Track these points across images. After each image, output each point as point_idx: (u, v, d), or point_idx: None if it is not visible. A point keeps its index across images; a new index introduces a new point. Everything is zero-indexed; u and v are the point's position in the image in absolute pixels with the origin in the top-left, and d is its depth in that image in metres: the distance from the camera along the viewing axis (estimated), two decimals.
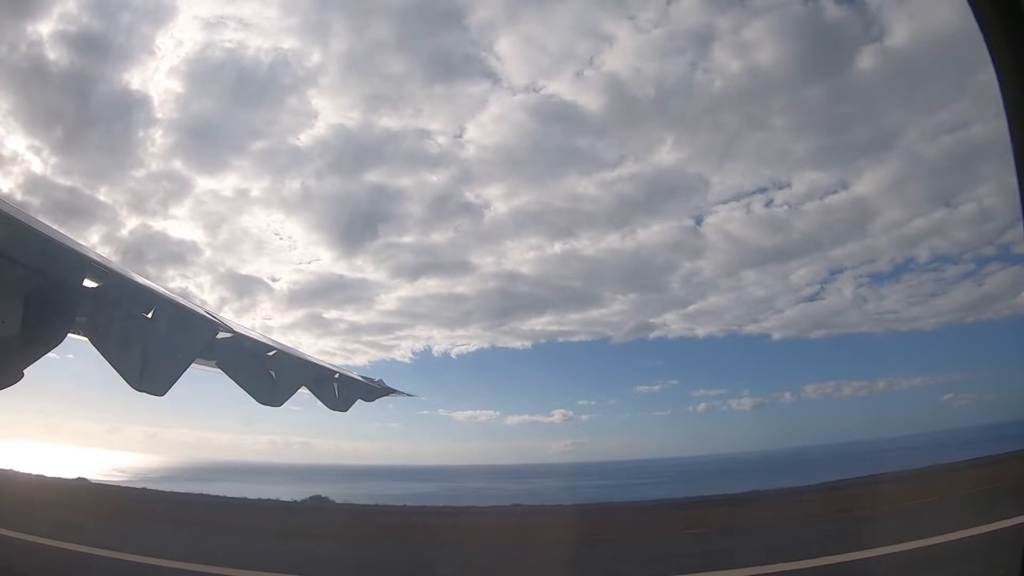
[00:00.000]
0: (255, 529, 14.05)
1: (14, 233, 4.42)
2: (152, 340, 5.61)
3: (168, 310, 5.85)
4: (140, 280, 5.74)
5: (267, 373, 7.24)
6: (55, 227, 4.95)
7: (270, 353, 7.33)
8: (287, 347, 7.82)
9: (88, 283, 5.13)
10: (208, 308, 6.72)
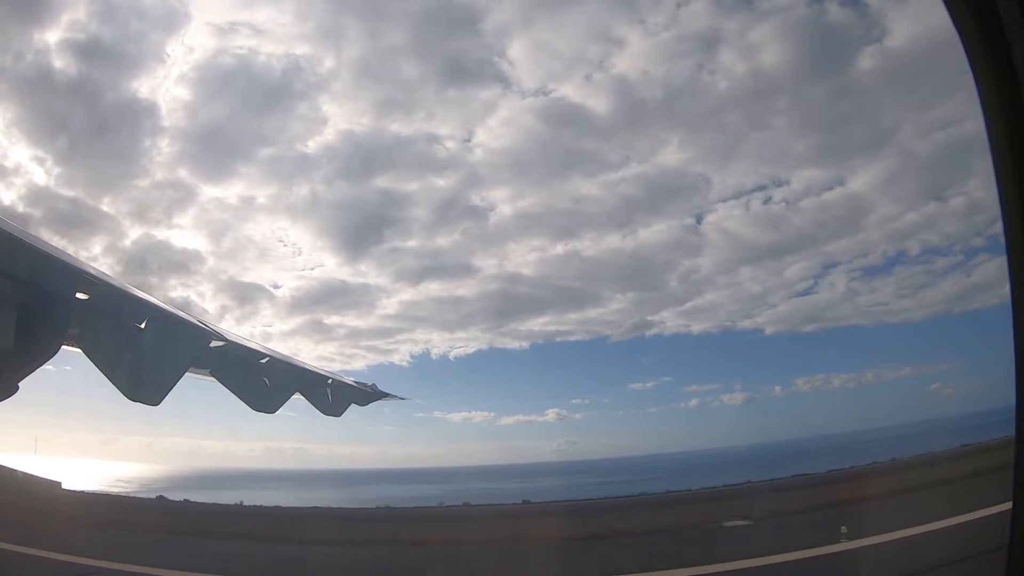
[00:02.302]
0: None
1: (5, 246, 4.41)
2: (145, 350, 5.60)
3: (160, 320, 5.85)
4: (132, 291, 5.74)
5: (261, 380, 7.23)
6: (53, 239, 4.95)
7: (263, 360, 7.33)
8: (280, 354, 7.83)
9: (80, 295, 5.13)
10: (202, 318, 6.72)
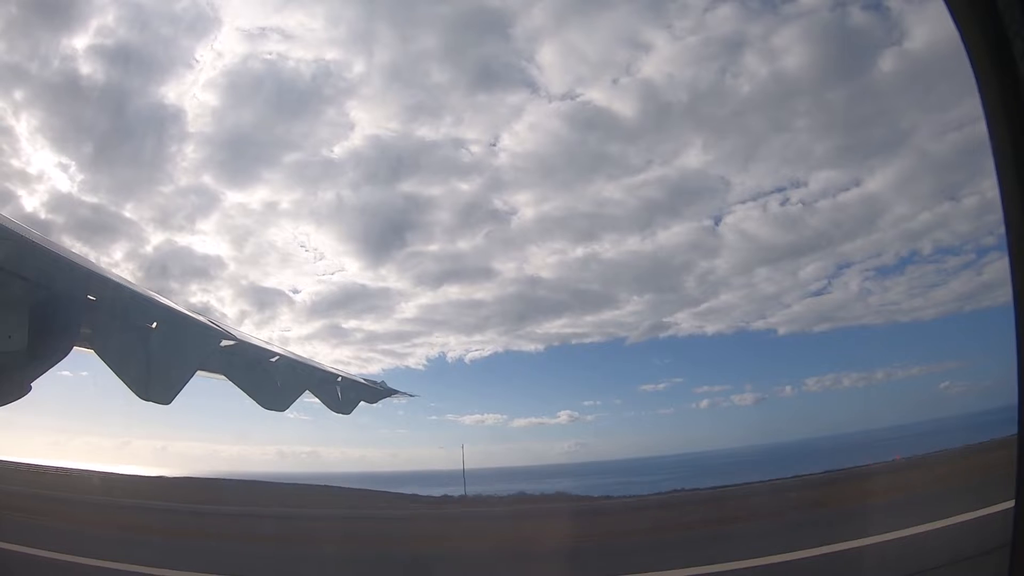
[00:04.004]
0: None
1: (18, 248, 4.46)
2: (156, 350, 5.66)
3: (171, 320, 5.91)
4: (142, 291, 5.80)
5: (271, 378, 7.29)
6: (75, 245, 5.02)
7: (273, 359, 7.39)
8: (290, 352, 7.88)
9: (92, 296, 5.18)
10: (212, 317, 6.77)
